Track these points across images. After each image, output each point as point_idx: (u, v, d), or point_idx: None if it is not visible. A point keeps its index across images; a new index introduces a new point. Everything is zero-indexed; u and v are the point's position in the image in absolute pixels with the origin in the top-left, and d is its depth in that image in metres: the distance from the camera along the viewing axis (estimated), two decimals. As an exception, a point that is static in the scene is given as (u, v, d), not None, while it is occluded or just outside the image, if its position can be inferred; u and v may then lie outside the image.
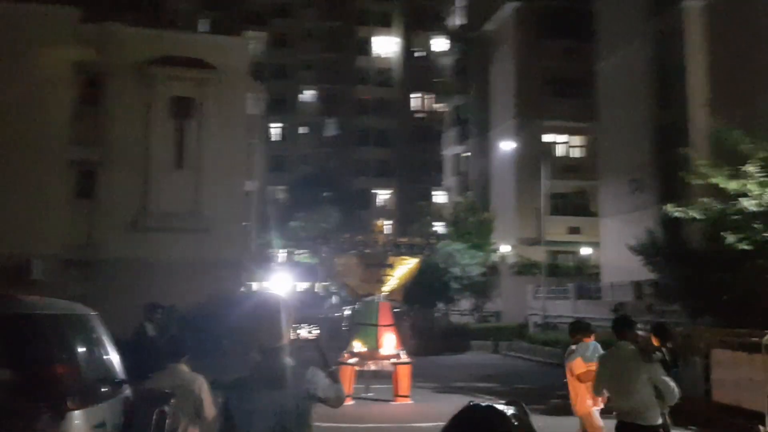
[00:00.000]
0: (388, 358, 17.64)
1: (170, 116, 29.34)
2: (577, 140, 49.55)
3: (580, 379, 9.91)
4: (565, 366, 10.29)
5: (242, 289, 45.47)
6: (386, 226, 73.49)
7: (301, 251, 62.99)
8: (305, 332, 23.91)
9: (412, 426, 14.87)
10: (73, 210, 28.43)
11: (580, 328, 10.52)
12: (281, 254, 66.17)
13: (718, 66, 28.38)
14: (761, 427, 13.32)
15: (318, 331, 17.07)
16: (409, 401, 17.55)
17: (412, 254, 18.98)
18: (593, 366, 8.86)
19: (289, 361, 4.51)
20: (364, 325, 18.03)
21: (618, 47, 36.86)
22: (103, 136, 28.83)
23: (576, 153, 49.71)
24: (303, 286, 66.08)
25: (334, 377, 4.76)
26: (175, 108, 29.30)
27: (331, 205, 65.37)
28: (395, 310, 38.07)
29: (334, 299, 51.24)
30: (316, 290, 62.05)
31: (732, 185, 15.98)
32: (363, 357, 17.56)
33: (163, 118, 29.21)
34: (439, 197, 69.21)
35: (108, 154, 28.73)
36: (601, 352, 9.12)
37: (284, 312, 4.58)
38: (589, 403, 9.91)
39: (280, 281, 58.98)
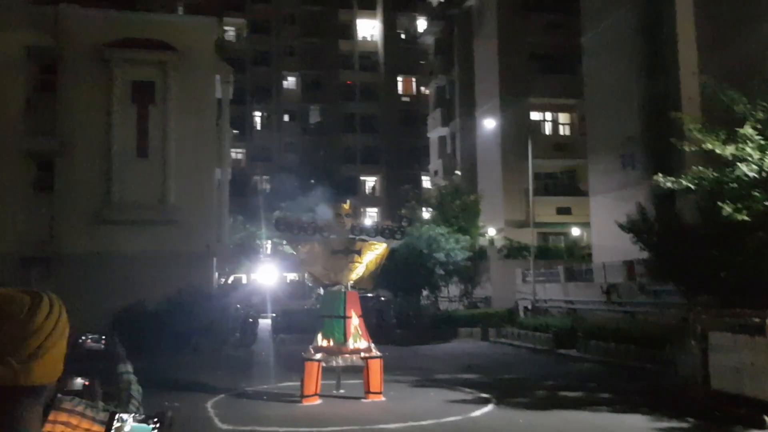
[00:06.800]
0: (356, 352, 16.12)
1: (131, 102, 27.89)
2: (565, 117, 48.01)
3: None
4: None
5: (224, 280, 44.32)
6: (372, 212, 72.62)
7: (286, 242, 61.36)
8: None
9: (381, 428, 13.39)
10: (31, 204, 27.16)
11: None
12: (268, 245, 64.65)
13: (709, 29, 26.82)
14: (767, 418, 11.91)
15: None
16: (381, 398, 16.09)
17: (382, 239, 17.47)
18: None
19: None
20: (329, 317, 16.45)
21: (604, 17, 35.27)
22: (60, 125, 27.53)
23: (564, 131, 48.17)
24: (291, 277, 64.68)
25: None
26: (135, 93, 27.86)
27: (318, 193, 63.76)
28: (381, 298, 37.17)
29: (322, 290, 49.79)
30: (305, 281, 60.53)
31: (728, 150, 14.45)
32: (329, 352, 16.04)
33: (124, 104, 27.77)
34: (428, 182, 67.70)
35: (66, 143, 27.40)
36: None
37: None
38: None
39: (267, 272, 57.72)
